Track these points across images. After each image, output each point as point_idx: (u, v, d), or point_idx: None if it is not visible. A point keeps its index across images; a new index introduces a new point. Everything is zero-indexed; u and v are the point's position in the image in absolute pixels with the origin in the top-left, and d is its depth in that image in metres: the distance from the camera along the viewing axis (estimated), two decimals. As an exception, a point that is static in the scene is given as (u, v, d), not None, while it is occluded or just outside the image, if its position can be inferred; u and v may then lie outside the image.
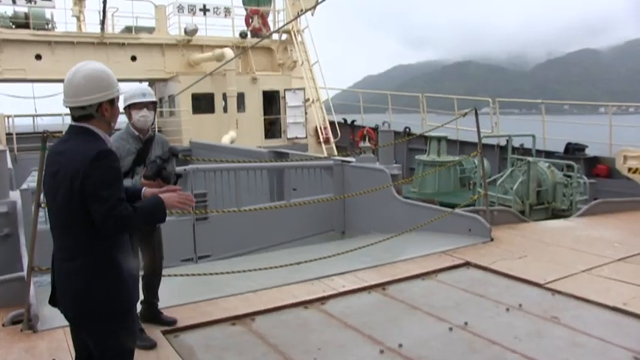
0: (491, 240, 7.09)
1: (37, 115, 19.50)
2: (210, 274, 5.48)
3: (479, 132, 7.25)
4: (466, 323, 4.47)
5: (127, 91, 4.32)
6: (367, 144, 10.53)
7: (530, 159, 10.75)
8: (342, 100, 24.64)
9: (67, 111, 2.76)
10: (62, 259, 2.67)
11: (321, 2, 12.82)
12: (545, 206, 10.97)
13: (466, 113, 7.01)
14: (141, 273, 4.29)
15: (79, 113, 2.68)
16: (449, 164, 12.08)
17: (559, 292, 5.23)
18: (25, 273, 4.63)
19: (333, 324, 4.50)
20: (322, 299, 5.04)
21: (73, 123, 2.72)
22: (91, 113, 2.68)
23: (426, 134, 14.55)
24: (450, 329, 4.38)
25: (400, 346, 4.03)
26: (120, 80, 2.85)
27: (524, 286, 5.47)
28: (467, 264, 6.20)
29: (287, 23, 19.45)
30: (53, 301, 2.78)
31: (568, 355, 3.95)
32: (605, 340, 4.18)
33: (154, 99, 4.38)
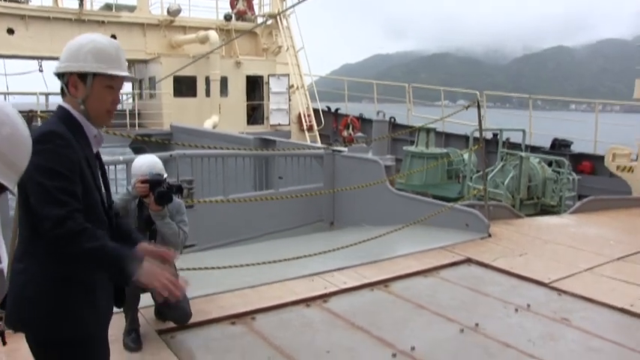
0: (489, 236, 6.95)
1: (8, 94, 18.39)
2: (206, 268, 5.14)
3: (480, 126, 7.07)
4: (477, 324, 4.28)
5: (136, 163, 4.06)
6: (359, 134, 10.27)
7: (522, 154, 10.64)
8: (321, 87, 24.32)
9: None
10: (14, 258, 2.15)
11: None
12: (534, 201, 10.90)
13: (469, 106, 6.81)
14: None
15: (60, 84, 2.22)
16: (441, 157, 11.86)
17: (565, 292, 5.13)
18: (3, 265, 4.25)
19: (339, 324, 4.25)
20: (324, 296, 4.78)
21: None
22: (62, 87, 2.19)
23: (413, 125, 14.33)
24: (462, 331, 4.19)
25: (413, 349, 3.80)
26: None
27: (529, 285, 5.34)
28: (468, 261, 6.03)
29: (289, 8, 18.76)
30: None
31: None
32: (620, 343, 4.06)
33: (161, 176, 3.94)
